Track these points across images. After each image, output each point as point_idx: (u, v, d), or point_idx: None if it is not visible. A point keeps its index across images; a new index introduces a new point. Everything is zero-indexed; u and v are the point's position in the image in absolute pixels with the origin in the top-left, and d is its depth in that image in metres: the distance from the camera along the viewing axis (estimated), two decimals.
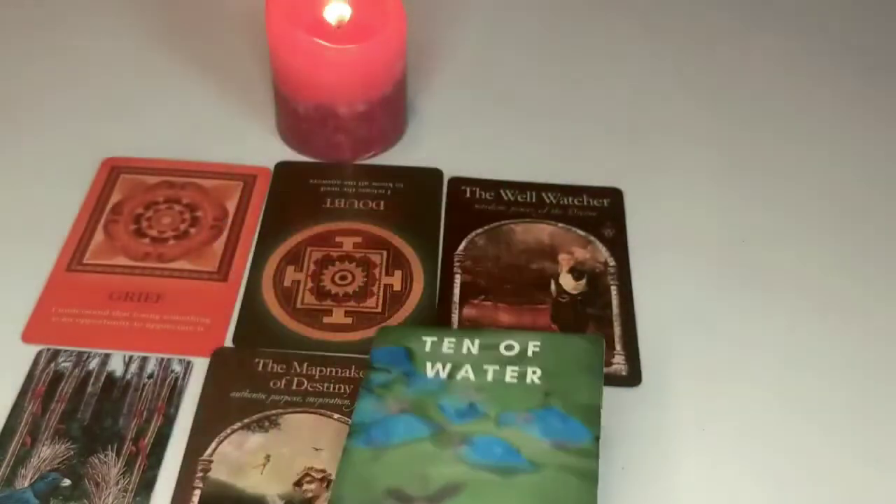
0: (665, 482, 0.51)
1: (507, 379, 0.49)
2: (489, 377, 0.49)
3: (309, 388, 0.54)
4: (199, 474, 0.50)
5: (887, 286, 0.61)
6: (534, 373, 0.50)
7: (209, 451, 0.51)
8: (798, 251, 0.63)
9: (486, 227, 0.63)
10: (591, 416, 0.48)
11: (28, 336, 0.56)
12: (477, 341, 0.51)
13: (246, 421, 0.52)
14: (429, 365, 0.50)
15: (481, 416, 0.48)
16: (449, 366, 0.50)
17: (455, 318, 0.58)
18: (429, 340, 0.51)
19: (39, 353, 0.55)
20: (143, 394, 0.54)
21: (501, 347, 0.51)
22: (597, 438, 0.47)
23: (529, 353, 0.51)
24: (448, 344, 0.51)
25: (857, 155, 0.70)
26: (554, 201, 0.65)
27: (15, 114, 0.71)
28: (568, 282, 0.60)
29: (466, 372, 0.50)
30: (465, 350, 0.51)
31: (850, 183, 0.68)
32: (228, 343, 0.56)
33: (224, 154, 0.68)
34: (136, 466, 0.51)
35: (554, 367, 0.50)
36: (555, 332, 0.53)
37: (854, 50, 0.79)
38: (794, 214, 0.65)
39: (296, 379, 0.54)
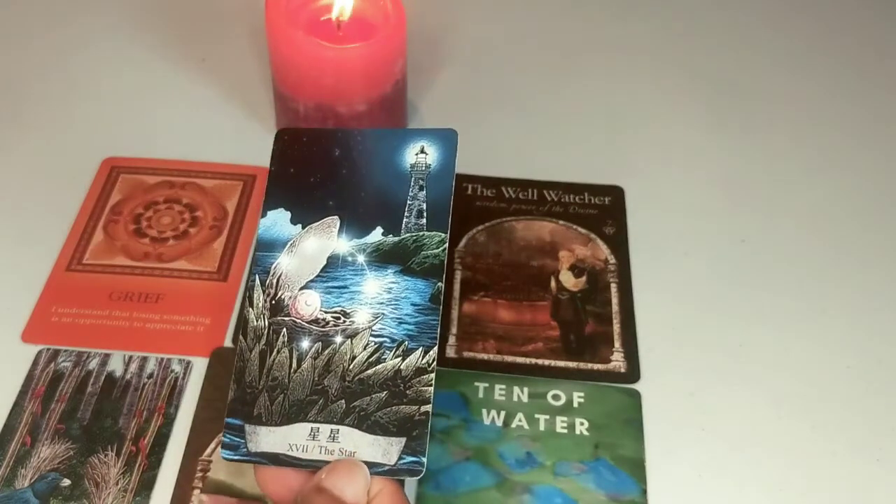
0: (663, 480, 0.51)
1: (558, 429, 0.52)
2: (541, 427, 0.52)
3: None
4: (199, 474, 0.50)
5: (887, 286, 0.61)
6: (581, 424, 0.52)
7: (209, 450, 0.51)
8: (798, 250, 0.63)
9: (486, 224, 0.63)
10: (638, 470, 0.50)
11: (28, 336, 0.56)
12: (525, 389, 0.54)
13: None
14: (484, 412, 0.53)
15: (538, 466, 0.51)
16: (503, 413, 0.53)
17: (455, 313, 0.58)
18: (481, 386, 0.54)
19: (39, 353, 0.56)
20: (143, 394, 0.54)
21: (549, 397, 0.54)
22: (644, 492, 0.49)
23: (575, 403, 0.53)
24: (499, 391, 0.54)
25: (860, 155, 0.70)
26: (555, 199, 0.65)
27: (15, 114, 0.71)
28: (568, 279, 0.60)
29: (520, 420, 0.53)
30: (515, 398, 0.53)
31: (851, 183, 0.68)
32: (228, 343, 0.56)
33: (224, 154, 0.68)
34: (136, 466, 0.51)
35: (599, 418, 0.53)
36: (595, 382, 0.55)
37: (855, 51, 0.79)
38: (794, 214, 0.65)
39: None
